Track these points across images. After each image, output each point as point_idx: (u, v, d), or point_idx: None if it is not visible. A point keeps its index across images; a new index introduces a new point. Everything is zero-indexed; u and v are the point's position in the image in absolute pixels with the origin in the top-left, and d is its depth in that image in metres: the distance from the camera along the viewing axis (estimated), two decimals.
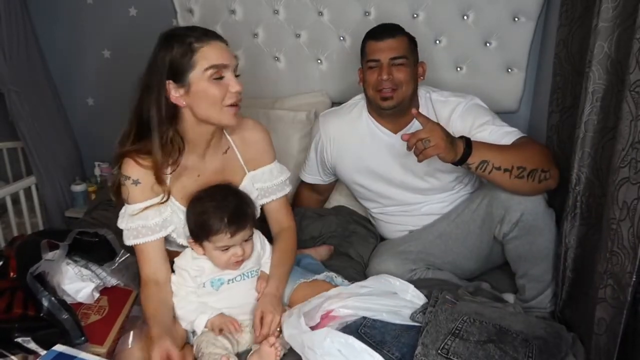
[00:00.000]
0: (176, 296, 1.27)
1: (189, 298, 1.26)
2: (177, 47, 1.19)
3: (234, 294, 1.29)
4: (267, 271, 1.35)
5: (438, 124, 1.33)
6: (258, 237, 1.35)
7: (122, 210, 1.30)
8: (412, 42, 1.57)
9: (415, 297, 1.28)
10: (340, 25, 2.04)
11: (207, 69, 1.19)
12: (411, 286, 1.30)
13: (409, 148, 1.32)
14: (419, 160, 1.32)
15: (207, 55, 1.19)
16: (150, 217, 1.26)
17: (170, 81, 1.20)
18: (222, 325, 1.22)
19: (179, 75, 1.19)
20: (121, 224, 1.29)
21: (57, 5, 2.46)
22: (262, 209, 1.45)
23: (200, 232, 1.25)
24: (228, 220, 1.21)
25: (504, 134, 1.46)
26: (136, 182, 1.25)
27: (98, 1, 2.40)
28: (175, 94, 1.21)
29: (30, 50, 2.34)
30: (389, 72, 1.50)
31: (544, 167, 1.36)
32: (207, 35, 1.21)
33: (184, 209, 1.31)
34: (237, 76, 1.24)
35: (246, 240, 1.26)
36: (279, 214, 1.46)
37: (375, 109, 1.61)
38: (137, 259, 1.31)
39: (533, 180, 1.36)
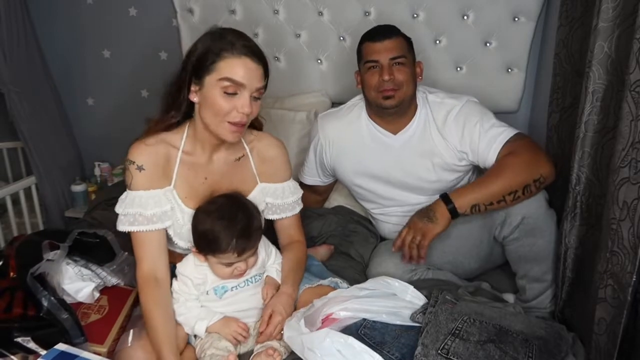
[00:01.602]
0: (177, 302, 1.25)
1: (189, 304, 1.25)
2: (212, 45, 1.19)
3: (238, 300, 1.28)
4: (273, 275, 1.33)
5: (409, 220, 1.43)
6: (263, 243, 1.33)
7: (123, 196, 1.27)
8: (408, 42, 1.57)
9: (414, 298, 1.28)
10: (340, 25, 2.04)
11: (221, 79, 1.17)
12: (410, 287, 1.30)
13: (409, 259, 1.43)
14: (424, 258, 1.42)
15: (228, 67, 1.17)
16: (148, 207, 1.23)
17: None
18: (233, 334, 1.21)
19: (199, 72, 1.20)
20: (119, 208, 1.25)
21: (57, 6, 2.46)
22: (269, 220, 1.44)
23: (206, 247, 1.22)
24: (237, 241, 1.19)
25: (493, 139, 1.46)
26: (140, 168, 1.23)
27: (98, 1, 2.41)
28: (192, 87, 1.23)
29: (30, 51, 2.34)
30: (390, 72, 1.49)
31: (534, 177, 1.37)
32: (243, 49, 1.18)
33: (185, 208, 1.29)
34: (257, 99, 1.23)
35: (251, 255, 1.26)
36: (291, 230, 1.45)
37: (376, 111, 1.60)
38: (135, 252, 1.26)
39: (530, 193, 1.38)
